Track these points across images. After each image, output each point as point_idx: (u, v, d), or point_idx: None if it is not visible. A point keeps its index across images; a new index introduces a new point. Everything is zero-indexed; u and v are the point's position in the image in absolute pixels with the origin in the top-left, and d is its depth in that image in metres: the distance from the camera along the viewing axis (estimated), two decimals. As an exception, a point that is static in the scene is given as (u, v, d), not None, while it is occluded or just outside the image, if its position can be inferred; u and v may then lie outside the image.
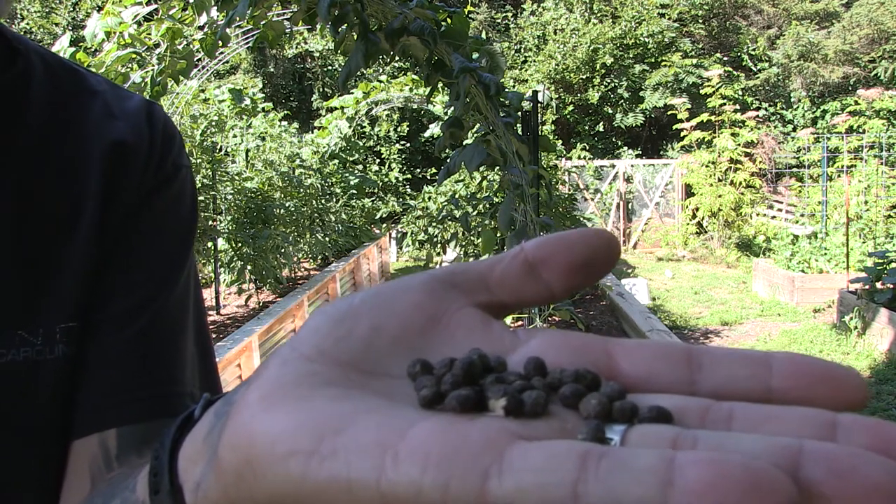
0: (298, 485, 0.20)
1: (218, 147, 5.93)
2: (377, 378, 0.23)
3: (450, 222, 5.50)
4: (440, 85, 3.02)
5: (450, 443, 0.19)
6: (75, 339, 0.53)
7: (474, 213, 4.44)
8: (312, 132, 9.81)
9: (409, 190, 13.27)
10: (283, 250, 6.14)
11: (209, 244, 5.73)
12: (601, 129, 15.16)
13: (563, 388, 0.21)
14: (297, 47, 15.10)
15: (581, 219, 6.43)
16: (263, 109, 8.08)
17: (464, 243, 5.01)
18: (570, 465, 0.17)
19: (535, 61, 15.16)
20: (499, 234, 4.15)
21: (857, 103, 12.08)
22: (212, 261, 5.81)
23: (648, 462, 0.17)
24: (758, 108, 14.27)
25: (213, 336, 0.70)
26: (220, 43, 3.70)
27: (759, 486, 0.16)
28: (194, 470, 0.29)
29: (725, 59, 15.00)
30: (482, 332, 0.25)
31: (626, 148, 15.17)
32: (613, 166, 13.81)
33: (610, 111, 15.04)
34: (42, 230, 0.52)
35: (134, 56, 3.92)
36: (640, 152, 15.12)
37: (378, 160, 13.34)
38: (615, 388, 0.21)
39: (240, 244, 5.62)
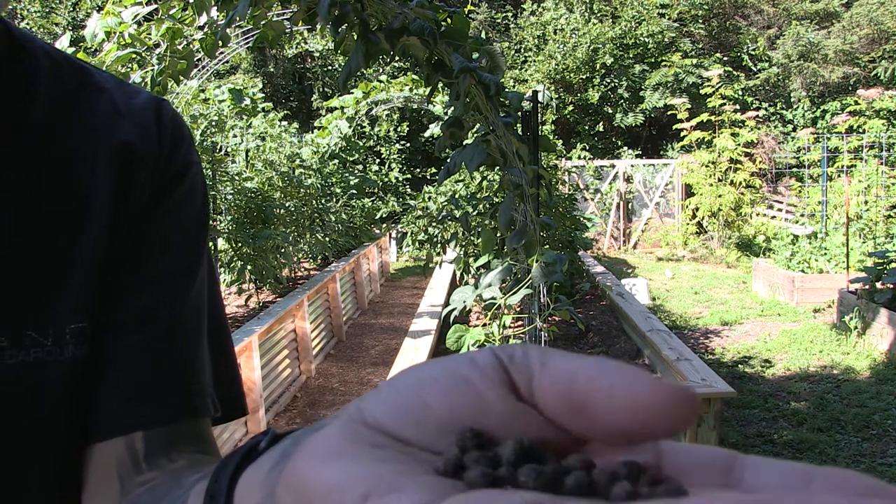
0: None
1: (218, 147, 5.93)
2: (422, 452, 0.24)
3: (450, 222, 5.49)
4: (440, 85, 3.02)
5: None
6: (85, 339, 0.52)
7: (474, 213, 4.44)
8: (312, 132, 9.81)
9: (409, 190, 13.27)
10: (283, 250, 6.14)
11: (209, 244, 5.73)
12: (601, 129, 15.16)
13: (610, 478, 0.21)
14: (297, 47, 15.10)
15: (581, 219, 6.43)
16: (263, 109, 8.08)
17: (464, 243, 5.00)
18: None
19: (535, 61, 15.16)
20: (499, 234, 4.15)
21: (857, 103, 12.08)
22: (212, 261, 5.82)
23: None
24: (758, 108, 14.27)
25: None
26: (220, 43, 3.70)
27: None
28: (251, 500, 0.31)
29: (725, 59, 15.00)
30: (527, 431, 0.24)
31: (626, 148, 15.17)
32: (613, 166, 13.81)
33: (610, 111, 15.04)
34: (50, 229, 0.52)
35: (134, 56, 3.92)
36: (640, 152, 15.12)
37: (378, 160, 13.34)
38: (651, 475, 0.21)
39: (240, 244, 5.62)
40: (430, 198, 7.29)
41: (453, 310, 3.47)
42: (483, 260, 4.22)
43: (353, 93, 9.57)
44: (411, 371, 0.26)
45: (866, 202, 10.14)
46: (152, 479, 0.50)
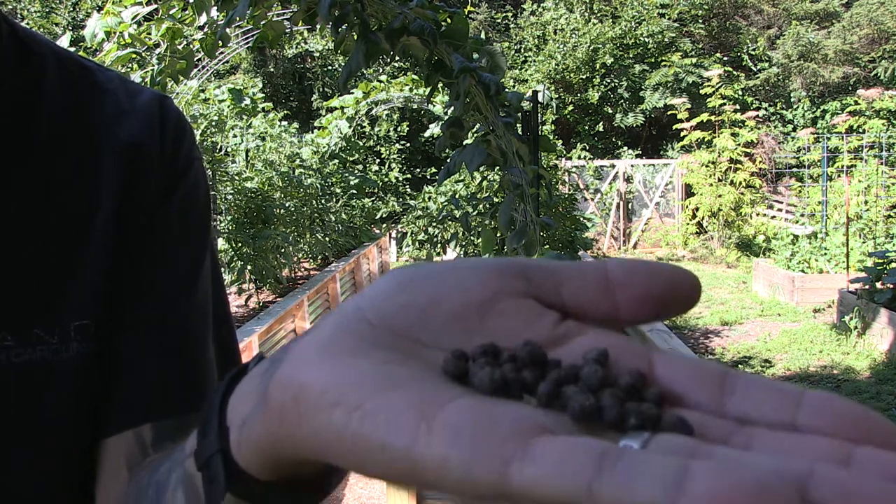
0: (338, 434, 0.22)
1: (218, 147, 5.93)
2: (429, 349, 0.24)
3: (450, 222, 5.50)
4: (440, 85, 3.02)
5: (482, 424, 0.20)
6: (90, 337, 0.53)
7: (474, 213, 4.44)
8: (312, 132, 9.81)
9: (409, 190, 13.27)
10: (283, 250, 6.14)
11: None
12: (601, 129, 15.16)
13: (607, 395, 0.21)
14: (297, 47, 15.10)
15: (581, 219, 6.42)
16: (263, 109, 8.08)
17: (464, 243, 5.01)
18: (588, 462, 0.18)
19: (535, 61, 15.16)
20: (499, 234, 4.15)
21: (857, 103, 12.07)
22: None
23: (663, 467, 0.17)
24: (758, 108, 14.26)
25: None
26: (220, 43, 3.70)
27: (768, 500, 0.16)
28: (242, 409, 0.30)
29: (725, 59, 15.00)
30: (537, 323, 0.25)
31: (626, 148, 15.17)
32: (613, 166, 13.80)
33: (610, 111, 15.04)
34: (57, 229, 0.52)
35: (134, 56, 3.92)
36: (640, 152, 15.11)
37: (378, 160, 13.33)
38: (654, 394, 0.22)
39: (240, 244, 5.61)
40: (430, 198, 7.29)
41: (453, 310, 3.47)
42: (483, 260, 4.21)
43: (353, 93, 9.57)
44: (415, 268, 0.26)
45: (866, 202, 10.13)
46: (156, 455, 0.51)
